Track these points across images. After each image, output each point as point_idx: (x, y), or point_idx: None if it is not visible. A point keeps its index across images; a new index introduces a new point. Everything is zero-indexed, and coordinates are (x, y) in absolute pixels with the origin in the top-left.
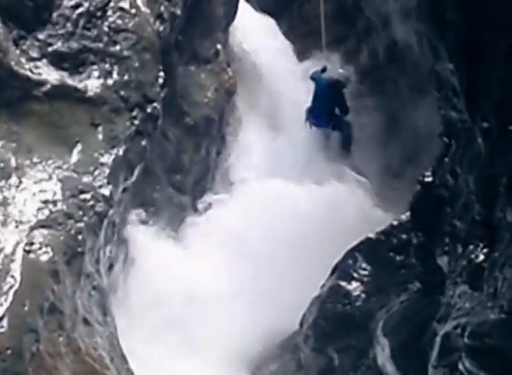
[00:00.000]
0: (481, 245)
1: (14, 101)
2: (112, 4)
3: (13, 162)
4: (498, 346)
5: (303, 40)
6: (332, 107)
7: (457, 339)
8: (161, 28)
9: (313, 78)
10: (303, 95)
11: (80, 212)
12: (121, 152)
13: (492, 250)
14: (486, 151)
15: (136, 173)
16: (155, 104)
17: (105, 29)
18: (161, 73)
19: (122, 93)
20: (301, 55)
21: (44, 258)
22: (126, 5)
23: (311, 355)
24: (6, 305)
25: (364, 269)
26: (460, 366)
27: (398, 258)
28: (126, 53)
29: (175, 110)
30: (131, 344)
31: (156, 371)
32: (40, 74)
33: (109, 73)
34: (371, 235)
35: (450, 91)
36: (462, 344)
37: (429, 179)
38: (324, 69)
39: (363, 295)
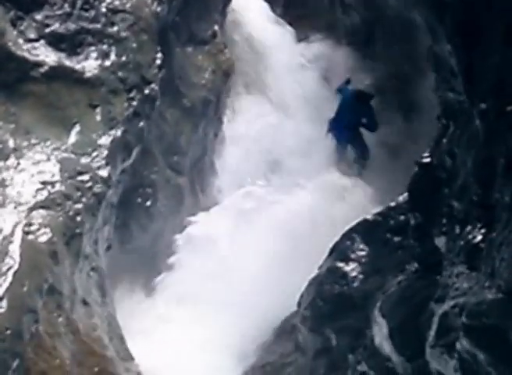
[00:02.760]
0: (479, 226)
1: (12, 82)
2: None
3: (11, 144)
4: (496, 325)
5: (299, 22)
6: (357, 121)
7: (455, 319)
8: (158, 9)
9: (339, 90)
10: (301, 77)
11: (79, 194)
12: (119, 134)
13: (489, 230)
14: (484, 133)
15: (134, 154)
16: (153, 85)
17: (103, 10)
18: (159, 55)
19: (120, 74)
20: (298, 36)
21: (42, 239)
22: None
23: (309, 336)
24: (5, 285)
25: (362, 250)
26: (458, 346)
27: (395, 239)
28: (123, 34)
29: (172, 91)
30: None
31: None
32: (37, 55)
33: (107, 54)
34: (369, 216)
35: (448, 72)
36: (460, 323)
37: (427, 160)
38: (348, 81)
39: (360, 276)
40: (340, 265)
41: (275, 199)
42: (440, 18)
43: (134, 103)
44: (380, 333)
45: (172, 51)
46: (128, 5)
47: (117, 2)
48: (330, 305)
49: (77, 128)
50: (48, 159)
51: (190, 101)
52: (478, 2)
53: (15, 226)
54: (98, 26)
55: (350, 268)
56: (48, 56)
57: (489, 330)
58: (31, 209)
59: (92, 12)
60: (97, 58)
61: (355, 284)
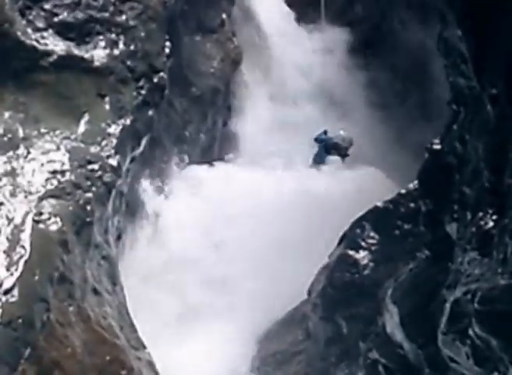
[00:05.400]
0: (491, 212)
1: (21, 71)
2: None
3: (21, 133)
4: (508, 311)
5: (308, 8)
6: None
7: (467, 305)
8: None
9: (316, 140)
10: (309, 64)
11: (88, 183)
12: (128, 122)
13: (501, 216)
14: (495, 118)
15: (143, 143)
16: (162, 74)
17: None
18: (168, 43)
19: (129, 63)
20: (307, 23)
21: (53, 228)
22: None
23: (320, 324)
24: (17, 274)
25: (372, 238)
26: (470, 332)
27: (406, 226)
28: (131, 23)
29: (181, 80)
30: None
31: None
32: (46, 44)
33: (115, 43)
34: (379, 204)
35: (458, 57)
36: (472, 309)
37: (438, 146)
38: (325, 132)
39: (371, 264)
40: (351, 253)
41: None
42: (450, 2)
43: (143, 92)
44: (391, 320)
45: (181, 40)
46: None
47: None
48: (341, 292)
49: (86, 117)
50: (58, 148)
51: (199, 90)
52: None
53: (25, 215)
54: (106, 15)
55: (361, 256)
56: (56, 45)
57: (502, 315)
58: (41, 198)
59: (100, 1)
60: (105, 47)
61: (366, 272)
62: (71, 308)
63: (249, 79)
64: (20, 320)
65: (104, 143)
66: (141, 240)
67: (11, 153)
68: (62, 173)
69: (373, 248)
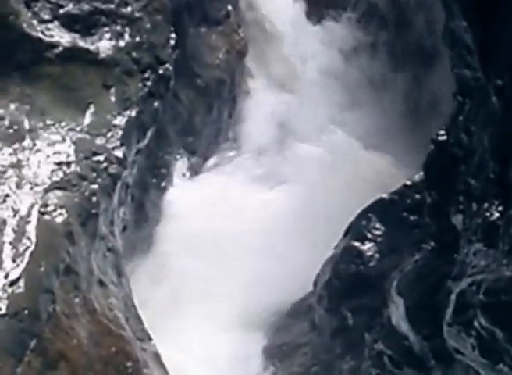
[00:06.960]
0: (496, 203)
1: (26, 63)
2: None
3: (27, 125)
4: None
5: (314, 1)
6: None
7: (473, 296)
8: None
9: None
10: (315, 56)
11: (94, 174)
12: (134, 114)
13: (506, 207)
14: (500, 109)
15: (148, 134)
16: (167, 65)
17: None
18: (173, 35)
19: (134, 54)
20: (313, 16)
21: (58, 219)
22: None
23: (325, 315)
24: (22, 266)
25: (378, 230)
26: (476, 323)
27: (412, 217)
28: (137, 14)
29: (186, 72)
30: None
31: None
32: (52, 36)
33: (121, 35)
34: (385, 195)
35: (464, 49)
36: (477, 301)
37: (443, 138)
38: None
39: (376, 255)
40: (356, 244)
41: None
42: None
43: (148, 83)
44: (397, 312)
45: (186, 32)
46: None
47: None
48: (346, 284)
49: (92, 109)
50: (64, 140)
51: (205, 82)
52: None
53: (31, 207)
54: (112, 6)
55: (367, 247)
56: (62, 37)
57: (507, 307)
58: (47, 190)
59: None
60: (111, 39)
61: (371, 263)
62: (77, 300)
63: (254, 70)
64: (26, 312)
65: (109, 134)
66: None
67: (17, 145)
68: (68, 164)
69: (378, 239)
